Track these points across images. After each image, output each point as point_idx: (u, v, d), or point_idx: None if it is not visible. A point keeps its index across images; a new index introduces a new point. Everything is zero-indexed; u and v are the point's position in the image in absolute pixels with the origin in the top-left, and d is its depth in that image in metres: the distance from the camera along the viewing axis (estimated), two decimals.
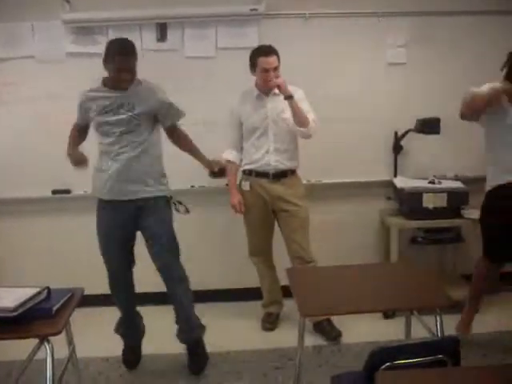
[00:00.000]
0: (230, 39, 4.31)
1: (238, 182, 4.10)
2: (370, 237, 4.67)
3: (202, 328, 3.67)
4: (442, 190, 4.23)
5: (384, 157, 4.56)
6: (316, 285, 2.94)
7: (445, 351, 2.10)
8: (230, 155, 4.03)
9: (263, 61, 3.74)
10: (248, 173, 4.03)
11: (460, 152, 4.47)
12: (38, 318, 2.45)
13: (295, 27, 4.27)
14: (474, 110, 3.38)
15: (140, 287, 3.75)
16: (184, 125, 3.93)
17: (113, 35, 4.20)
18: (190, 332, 3.62)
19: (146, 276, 3.63)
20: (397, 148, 4.52)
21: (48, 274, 3.40)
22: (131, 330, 3.68)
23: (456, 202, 4.23)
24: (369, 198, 4.60)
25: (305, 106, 3.85)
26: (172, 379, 3.55)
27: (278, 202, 3.99)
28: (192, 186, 4.50)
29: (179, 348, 3.72)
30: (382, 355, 2.10)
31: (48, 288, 2.59)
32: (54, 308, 2.50)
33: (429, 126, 4.26)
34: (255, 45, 4.16)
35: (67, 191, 4.44)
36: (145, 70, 4.22)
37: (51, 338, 2.41)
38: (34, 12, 4.19)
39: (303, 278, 3.12)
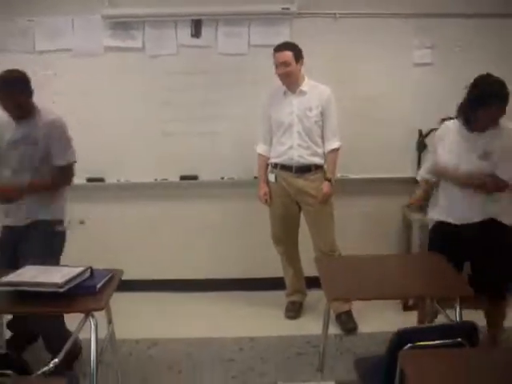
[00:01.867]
0: (263, 37, 4.44)
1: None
2: (392, 232, 4.80)
3: None
4: None
5: (408, 154, 4.67)
6: (342, 272, 3.09)
7: (463, 335, 2.23)
8: (260, 148, 4.21)
9: (275, 56, 3.93)
10: (274, 166, 4.17)
11: None
12: (83, 294, 2.61)
13: (325, 27, 4.39)
14: None
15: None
16: (214, 119, 4.13)
17: (149, 30, 4.41)
18: None
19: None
20: (421, 146, 4.63)
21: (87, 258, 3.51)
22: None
23: None
24: (393, 193, 4.69)
25: (333, 120, 4.03)
26: (197, 362, 3.69)
27: (301, 195, 4.12)
28: (222, 178, 4.65)
29: (201, 332, 3.91)
30: (404, 337, 2.23)
31: (91, 268, 2.76)
32: (98, 285, 2.66)
33: None
34: None
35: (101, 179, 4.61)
36: (179, 64, 4.45)
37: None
38: (75, 7, 4.35)
39: (330, 265, 3.29)
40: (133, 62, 4.37)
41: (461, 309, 2.72)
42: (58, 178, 3.38)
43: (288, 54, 3.90)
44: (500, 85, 3.13)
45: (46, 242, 3.35)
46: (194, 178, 4.63)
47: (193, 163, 4.59)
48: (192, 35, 4.44)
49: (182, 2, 4.33)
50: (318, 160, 4.09)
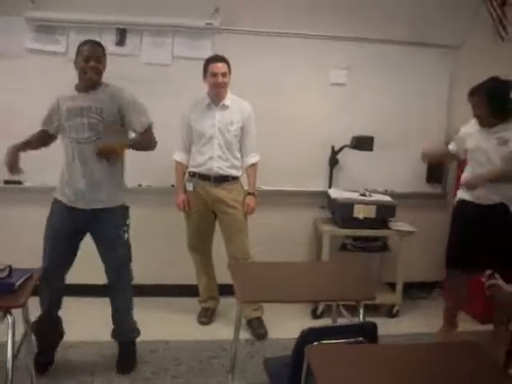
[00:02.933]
0: (186, 49, 4.56)
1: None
2: (303, 243, 5.01)
3: (137, 332, 3.77)
4: (371, 203, 4.58)
5: (320, 169, 4.89)
6: (254, 277, 3.25)
7: (365, 334, 2.42)
8: (178, 156, 4.29)
9: (213, 66, 4.05)
10: (192, 175, 4.27)
11: (390, 169, 4.89)
12: (1, 292, 2.64)
13: (247, 43, 4.54)
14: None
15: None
16: None
17: (73, 36, 4.39)
18: (123, 335, 3.74)
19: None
20: (332, 161, 4.87)
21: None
22: (50, 330, 3.61)
23: (384, 214, 4.60)
24: (304, 206, 4.92)
25: (252, 136, 4.23)
26: (110, 363, 3.71)
27: (218, 204, 4.23)
28: (139, 185, 4.71)
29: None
30: (311, 335, 2.39)
31: (10, 266, 2.78)
32: (17, 283, 2.69)
33: (363, 144, 4.63)
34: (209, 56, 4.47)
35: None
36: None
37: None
38: None
39: (243, 271, 3.43)
40: (56, 67, 4.37)
41: (364, 310, 2.92)
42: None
43: (225, 66, 4.06)
44: (485, 81, 3.79)
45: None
46: None
47: None
48: (116, 43, 4.49)
49: (107, 10, 4.37)
50: (235, 172, 4.23)
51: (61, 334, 3.68)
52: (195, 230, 4.36)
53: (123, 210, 3.57)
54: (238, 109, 4.17)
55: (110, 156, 3.35)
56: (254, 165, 4.26)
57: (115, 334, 3.73)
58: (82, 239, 3.55)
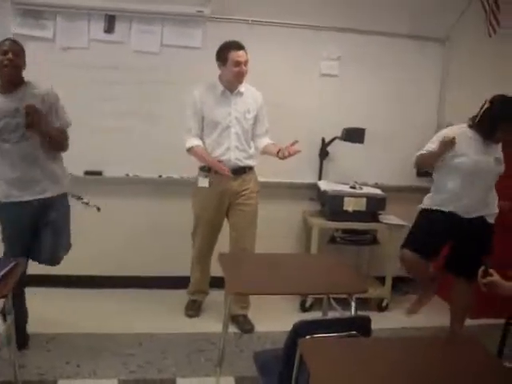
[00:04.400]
0: (175, 37, 4.48)
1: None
2: (292, 235, 4.97)
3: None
4: (361, 195, 4.55)
5: (311, 161, 4.84)
6: (244, 269, 3.20)
7: (358, 327, 2.38)
8: (195, 141, 4.00)
9: (235, 54, 3.86)
10: (207, 169, 4.05)
11: (381, 162, 4.85)
12: None
13: (238, 32, 4.42)
14: (427, 167, 3.96)
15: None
16: (121, 115, 4.20)
17: (61, 21, 4.32)
18: None
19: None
20: (323, 153, 4.83)
21: None
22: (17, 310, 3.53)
23: (374, 207, 4.57)
24: (294, 198, 4.88)
25: (266, 121, 4.14)
26: (96, 355, 3.65)
27: (236, 197, 4.07)
28: (127, 175, 4.63)
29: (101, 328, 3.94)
30: (303, 328, 2.34)
31: None
32: (1, 273, 2.61)
33: (354, 136, 4.59)
34: (199, 45, 4.44)
35: None
36: (90, 59, 4.39)
37: None
38: None
39: (234, 262, 3.35)
40: (42, 53, 4.27)
41: (356, 303, 2.88)
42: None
43: (246, 54, 3.91)
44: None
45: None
46: (99, 173, 4.58)
47: (97, 159, 4.52)
48: (105, 30, 4.41)
49: None
50: (251, 162, 4.12)
51: (26, 312, 3.66)
52: (208, 230, 4.18)
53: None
54: (252, 97, 4.06)
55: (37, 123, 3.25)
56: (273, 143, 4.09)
57: None
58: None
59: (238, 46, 3.90)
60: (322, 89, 4.76)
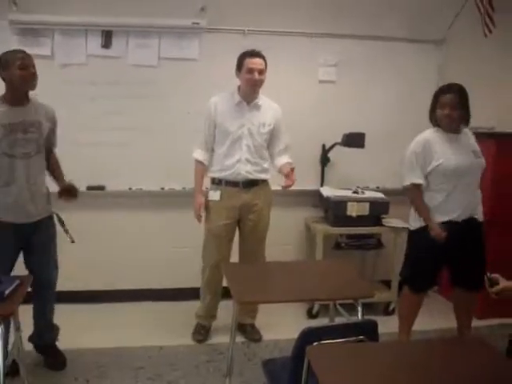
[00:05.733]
0: (172, 50, 4.51)
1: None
2: (294, 242, 4.98)
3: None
4: (364, 200, 4.56)
5: (312, 168, 4.85)
6: (249, 278, 3.19)
7: (365, 332, 2.38)
8: (199, 155, 3.97)
9: (249, 61, 3.79)
10: (218, 182, 3.97)
11: (382, 165, 4.84)
12: None
13: (234, 42, 4.46)
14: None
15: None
16: (124, 130, 4.17)
17: (59, 39, 4.36)
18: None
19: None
20: (324, 160, 4.84)
21: None
22: None
23: (377, 211, 4.58)
24: (296, 205, 4.88)
25: (285, 137, 4.05)
26: (105, 370, 3.66)
27: (246, 211, 3.97)
28: (130, 189, 4.64)
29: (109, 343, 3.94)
30: (310, 335, 2.34)
31: None
32: (6, 292, 2.62)
33: (354, 141, 4.59)
34: (196, 57, 4.46)
35: None
36: (88, 75, 4.42)
37: None
38: None
39: (238, 272, 3.37)
40: (41, 70, 4.27)
41: (362, 308, 2.88)
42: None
43: (263, 62, 3.82)
44: (450, 84, 3.61)
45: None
46: (101, 188, 4.60)
47: (100, 173, 4.55)
48: (102, 46, 4.43)
49: (92, 11, 4.32)
50: (264, 176, 4.01)
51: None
52: (222, 245, 4.02)
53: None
54: (270, 110, 3.96)
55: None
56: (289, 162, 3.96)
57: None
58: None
59: (254, 54, 3.82)
60: (321, 95, 4.77)
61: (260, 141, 3.93)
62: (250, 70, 3.79)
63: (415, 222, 3.76)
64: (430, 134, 3.65)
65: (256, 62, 3.80)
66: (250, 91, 3.88)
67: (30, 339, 3.63)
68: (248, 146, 3.89)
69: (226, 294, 3.78)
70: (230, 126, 3.88)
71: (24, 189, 3.31)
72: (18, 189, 3.29)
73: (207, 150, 3.97)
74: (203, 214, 4.00)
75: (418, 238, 3.75)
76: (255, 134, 3.90)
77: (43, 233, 3.47)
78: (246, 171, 3.90)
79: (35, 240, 3.43)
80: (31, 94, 3.38)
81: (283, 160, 4.02)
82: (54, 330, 3.71)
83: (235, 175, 3.90)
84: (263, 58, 3.84)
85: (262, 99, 3.96)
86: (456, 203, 3.59)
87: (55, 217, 3.56)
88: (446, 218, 3.61)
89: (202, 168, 3.99)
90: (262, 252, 4.12)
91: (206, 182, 4.08)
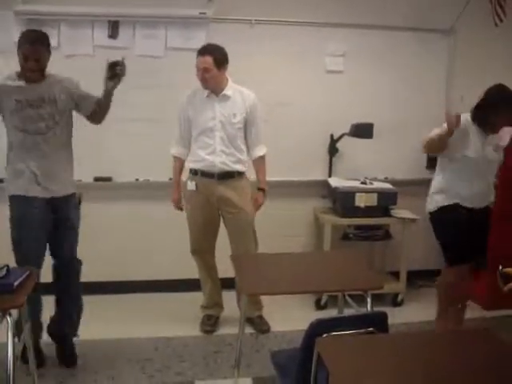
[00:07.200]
0: (179, 40, 4.49)
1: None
2: (303, 233, 4.96)
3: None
4: (373, 191, 4.53)
5: (320, 158, 4.83)
6: (257, 269, 3.19)
7: (375, 324, 2.35)
8: (175, 151, 4.07)
9: (197, 60, 3.82)
10: (194, 172, 4.00)
11: (390, 156, 4.83)
12: None
13: (241, 32, 4.48)
14: (436, 151, 3.73)
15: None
16: (131, 121, 4.22)
17: (65, 29, 4.34)
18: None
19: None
20: (332, 150, 4.81)
21: None
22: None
23: (385, 201, 4.56)
24: (305, 195, 4.87)
25: (258, 126, 4.01)
26: (113, 361, 3.66)
27: (223, 203, 3.99)
28: (137, 180, 4.64)
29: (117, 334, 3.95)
30: (320, 327, 2.32)
31: (7, 266, 2.71)
32: (15, 283, 2.61)
33: (362, 131, 4.57)
34: None
35: None
36: (95, 65, 4.38)
37: None
38: None
39: (246, 263, 3.35)
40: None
41: (371, 299, 2.86)
42: None
43: (208, 60, 3.77)
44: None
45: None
46: (108, 179, 4.59)
47: (107, 165, 4.55)
48: (109, 36, 4.42)
49: (99, 2, 4.29)
50: (240, 167, 3.99)
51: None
52: (199, 233, 4.08)
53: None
54: (240, 99, 3.93)
55: None
56: (261, 157, 4.04)
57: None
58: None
59: (201, 51, 3.84)
60: (328, 85, 4.74)
61: (232, 131, 3.92)
62: (197, 68, 3.83)
63: (431, 204, 3.78)
64: (469, 119, 3.64)
65: (199, 61, 3.81)
66: (203, 87, 3.90)
67: (48, 328, 3.62)
68: (222, 138, 3.91)
69: (232, 285, 3.79)
70: (202, 119, 3.92)
71: (39, 164, 3.31)
72: (34, 163, 3.30)
73: (184, 145, 4.05)
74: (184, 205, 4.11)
75: (438, 217, 3.76)
76: (227, 124, 3.91)
77: (64, 210, 3.43)
78: (221, 162, 3.91)
79: (61, 215, 3.42)
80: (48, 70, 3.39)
81: (256, 153, 4.06)
82: (73, 323, 3.66)
83: (210, 167, 3.92)
84: (212, 54, 3.81)
85: (232, 88, 3.95)
86: (474, 190, 3.66)
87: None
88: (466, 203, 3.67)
89: (178, 164, 4.10)
90: (250, 244, 4.07)
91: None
